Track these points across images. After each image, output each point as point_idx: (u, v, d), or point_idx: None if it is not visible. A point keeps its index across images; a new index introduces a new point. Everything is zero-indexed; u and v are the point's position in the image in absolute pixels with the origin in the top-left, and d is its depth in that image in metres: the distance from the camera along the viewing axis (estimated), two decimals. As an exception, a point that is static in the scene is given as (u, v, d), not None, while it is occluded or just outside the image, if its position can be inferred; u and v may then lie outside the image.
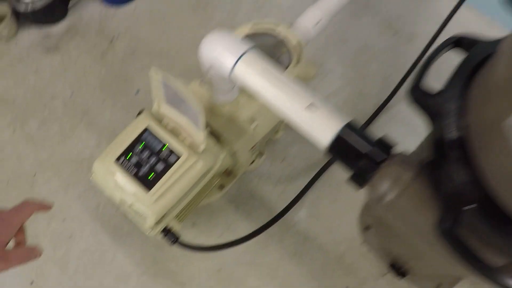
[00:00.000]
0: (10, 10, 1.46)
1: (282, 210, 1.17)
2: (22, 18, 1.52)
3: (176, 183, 0.93)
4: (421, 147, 0.71)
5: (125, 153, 0.95)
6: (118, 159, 0.94)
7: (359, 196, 0.82)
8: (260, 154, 1.23)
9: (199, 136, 0.92)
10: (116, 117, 1.35)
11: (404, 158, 0.66)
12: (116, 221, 1.24)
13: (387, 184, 0.65)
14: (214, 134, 1.02)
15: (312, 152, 1.26)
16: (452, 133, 0.53)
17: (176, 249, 1.15)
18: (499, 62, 0.47)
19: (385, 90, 1.30)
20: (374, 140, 0.69)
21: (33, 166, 1.32)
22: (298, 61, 1.08)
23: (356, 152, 0.69)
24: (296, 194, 1.20)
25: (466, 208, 0.52)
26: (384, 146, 0.69)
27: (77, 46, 1.48)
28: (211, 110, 1.03)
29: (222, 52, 0.83)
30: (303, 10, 1.13)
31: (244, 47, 0.82)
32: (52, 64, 1.46)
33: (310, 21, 1.13)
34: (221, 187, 1.16)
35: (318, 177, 1.24)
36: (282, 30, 1.10)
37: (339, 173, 1.21)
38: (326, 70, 1.38)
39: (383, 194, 0.65)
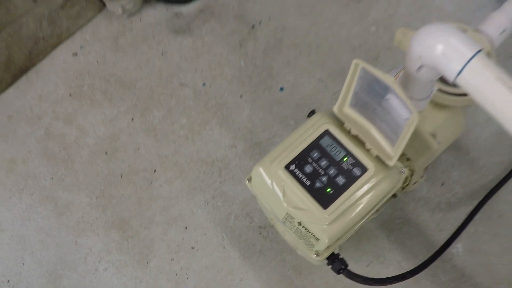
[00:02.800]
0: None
1: (441, 247, 0.98)
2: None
3: (358, 201, 0.75)
4: None
5: (298, 159, 0.78)
6: (288, 166, 0.78)
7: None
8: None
9: (395, 148, 0.74)
10: (256, 116, 1.20)
11: None
12: (249, 236, 1.08)
13: None
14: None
15: (475, 178, 1.09)
16: None
17: (315, 275, 0.99)
18: None
19: None
20: None
21: (153, 161, 1.19)
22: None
23: None
24: (455, 226, 1.03)
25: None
26: None
27: (211, 30, 1.33)
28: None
29: (449, 50, 0.65)
30: (465, 16, 1.05)
31: (476, 46, 0.64)
32: (182, 48, 1.31)
33: (495, 28, 0.93)
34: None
35: (480, 208, 1.06)
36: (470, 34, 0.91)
37: (502, 205, 1.06)
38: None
39: None
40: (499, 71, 0.62)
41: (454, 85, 0.77)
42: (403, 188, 0.96)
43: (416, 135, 0.86)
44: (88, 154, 1.22)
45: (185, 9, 1.37)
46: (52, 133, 1.26)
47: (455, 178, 1.10)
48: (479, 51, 0.63)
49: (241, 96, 1.22)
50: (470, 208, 1.05)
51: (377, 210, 0.86)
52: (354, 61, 0.72)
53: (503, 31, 0.94)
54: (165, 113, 1.23)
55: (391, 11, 1.28)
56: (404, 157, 0.85)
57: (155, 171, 1.18)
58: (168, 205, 1.13)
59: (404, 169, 0.82)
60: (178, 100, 1.24)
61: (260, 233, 1.07)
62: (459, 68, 0.64)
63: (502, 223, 1.05)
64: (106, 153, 1.22)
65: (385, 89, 0.71)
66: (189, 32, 1.33)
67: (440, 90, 0.86)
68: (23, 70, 1.36)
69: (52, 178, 1.21)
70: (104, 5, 1.38)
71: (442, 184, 1.10)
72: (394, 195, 0.93)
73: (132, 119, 1.24)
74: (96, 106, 1.27)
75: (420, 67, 0.70)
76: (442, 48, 0.65)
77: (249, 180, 0.84)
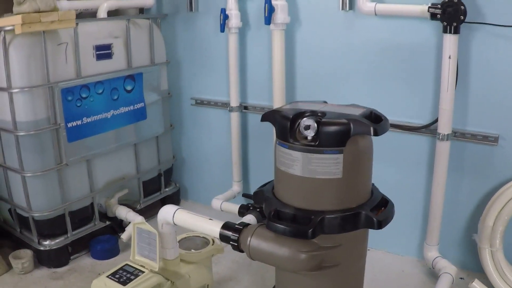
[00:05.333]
0: (32, 252, 2.32)
1: None
2: (39, 259, 2.36)
3: (140, 284, 1.69)
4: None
5: (113, 273, 1.73)
6: (109, 276, 1.72)
7: None
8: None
9: (154, 264, 1.74)
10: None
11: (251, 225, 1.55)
12: None
13: (246, 234, 1.50)
14: (165, 277, 1.80)
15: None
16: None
17: None
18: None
19: None
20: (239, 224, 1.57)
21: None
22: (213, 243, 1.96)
23: (232, 229, 1.55)
24: None
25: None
26: (244, 225, 1.56)
27: (75, 277, 2.29)
28: (164, 266, 1.84)
29: (168, 212, 1.73)
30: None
31: (175, 207, 1.73)
32: (57, 285, 2.24)
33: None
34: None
35: None
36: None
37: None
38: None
39: (246, 240, 1.50)
40: (190, 213, 1.70)
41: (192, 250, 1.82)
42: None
43: (176, 273, 1.84)
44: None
45: (60, 269, 2.35)
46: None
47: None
48: (179, 208, 1.72)
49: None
50: None
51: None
52: (132, 223, 1.77)
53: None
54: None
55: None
56: (170, 281, 1.81)
57: None
58: None
59: (168, 281, 1.78)
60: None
61: None
62: (173, 213, 1.71)
63: None
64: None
65: (148, 233, 1.74)
66: (62, 278, 2.28)
67: (185, 253, 1.89)
68: None
69: None
70: (10, 266, 2.31)
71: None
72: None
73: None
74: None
75: (162, 225, 1.76)
76: (167, 210, 1.74)
77: (91, 290, 1.74)
